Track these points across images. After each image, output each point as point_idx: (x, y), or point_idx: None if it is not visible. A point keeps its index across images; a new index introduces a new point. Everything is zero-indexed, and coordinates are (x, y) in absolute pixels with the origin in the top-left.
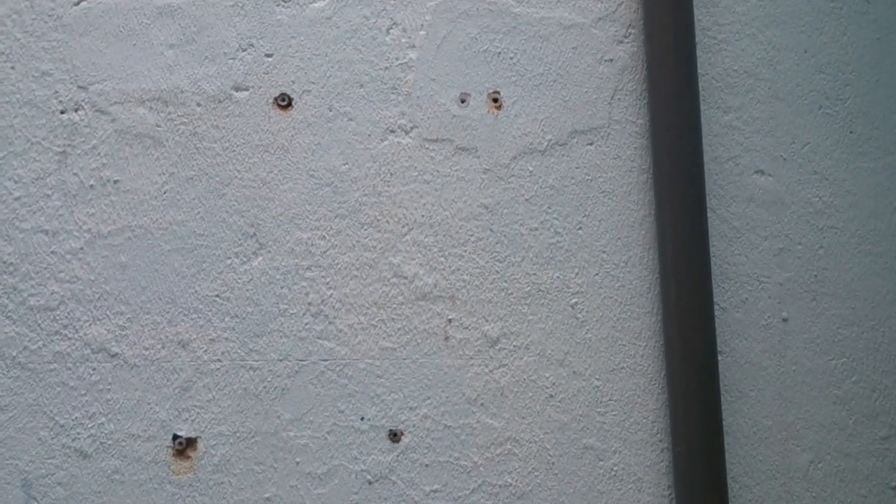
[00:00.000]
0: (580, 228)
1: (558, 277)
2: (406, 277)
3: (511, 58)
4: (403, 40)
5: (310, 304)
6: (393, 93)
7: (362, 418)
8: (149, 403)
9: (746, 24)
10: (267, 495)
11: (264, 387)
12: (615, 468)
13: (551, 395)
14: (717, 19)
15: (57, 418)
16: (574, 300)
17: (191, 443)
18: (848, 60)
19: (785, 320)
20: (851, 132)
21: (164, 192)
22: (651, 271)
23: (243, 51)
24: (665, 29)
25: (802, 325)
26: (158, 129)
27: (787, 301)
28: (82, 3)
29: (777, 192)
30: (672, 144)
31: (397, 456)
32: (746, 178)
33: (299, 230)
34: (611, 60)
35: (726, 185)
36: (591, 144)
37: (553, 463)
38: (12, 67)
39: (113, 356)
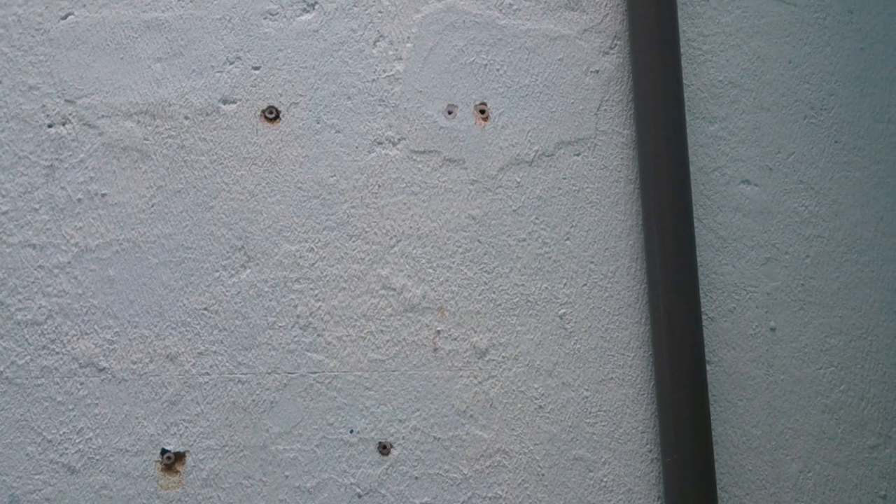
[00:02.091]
0: (568, 239)
1: (546, 288)
2: (394, 289)
3: (497, 69)
4: (390, 53)
5: (298, 316)
6: (380, 105)
7: (351, 431)
8: (137, 418)
9: (731, 35)
10: None
11: (253, 400)
12: (605, 479)
13: (540, 407)
14: (702, 30)
15: (44, 433)
16: (562, 311)
17: (179, 457)
18: (832, 70)
19: (773, 329)
20: (836, 142)
21: (152, 206)
22: (639, 281)
23: (230, 64)
24: (650, 40)
25: (790, 334)
26: (146, 142)
27: (775, 310)
28: (69, 17)
29: (763, 202)
30: (658, 155)
31: (387, 469)
32: (733, 188)
33: (287, 242)
34: (597, 72)
35: (713, 195)
36: (577, 155)
37: (543, 474)
38: None
39: (101, 370)
